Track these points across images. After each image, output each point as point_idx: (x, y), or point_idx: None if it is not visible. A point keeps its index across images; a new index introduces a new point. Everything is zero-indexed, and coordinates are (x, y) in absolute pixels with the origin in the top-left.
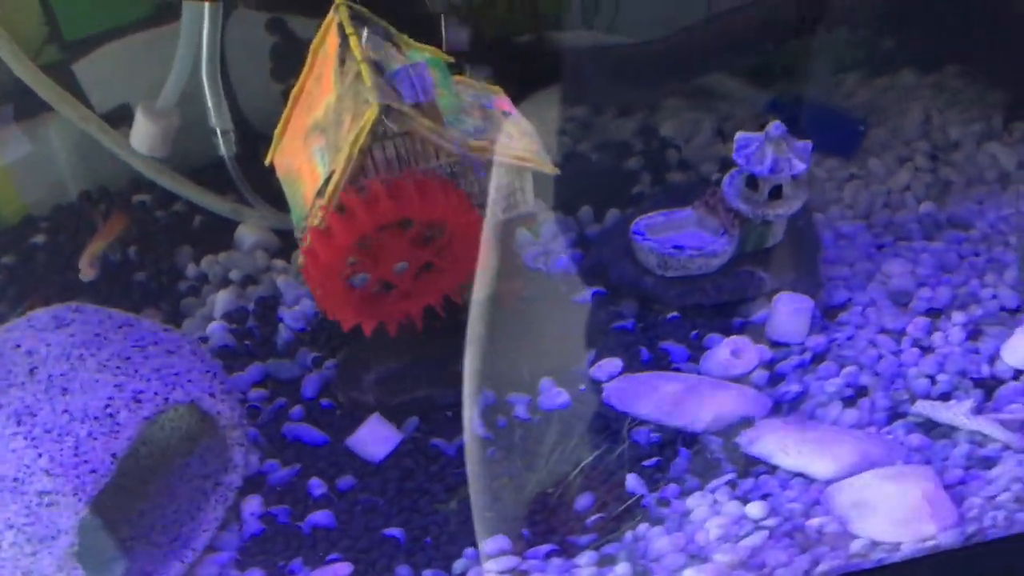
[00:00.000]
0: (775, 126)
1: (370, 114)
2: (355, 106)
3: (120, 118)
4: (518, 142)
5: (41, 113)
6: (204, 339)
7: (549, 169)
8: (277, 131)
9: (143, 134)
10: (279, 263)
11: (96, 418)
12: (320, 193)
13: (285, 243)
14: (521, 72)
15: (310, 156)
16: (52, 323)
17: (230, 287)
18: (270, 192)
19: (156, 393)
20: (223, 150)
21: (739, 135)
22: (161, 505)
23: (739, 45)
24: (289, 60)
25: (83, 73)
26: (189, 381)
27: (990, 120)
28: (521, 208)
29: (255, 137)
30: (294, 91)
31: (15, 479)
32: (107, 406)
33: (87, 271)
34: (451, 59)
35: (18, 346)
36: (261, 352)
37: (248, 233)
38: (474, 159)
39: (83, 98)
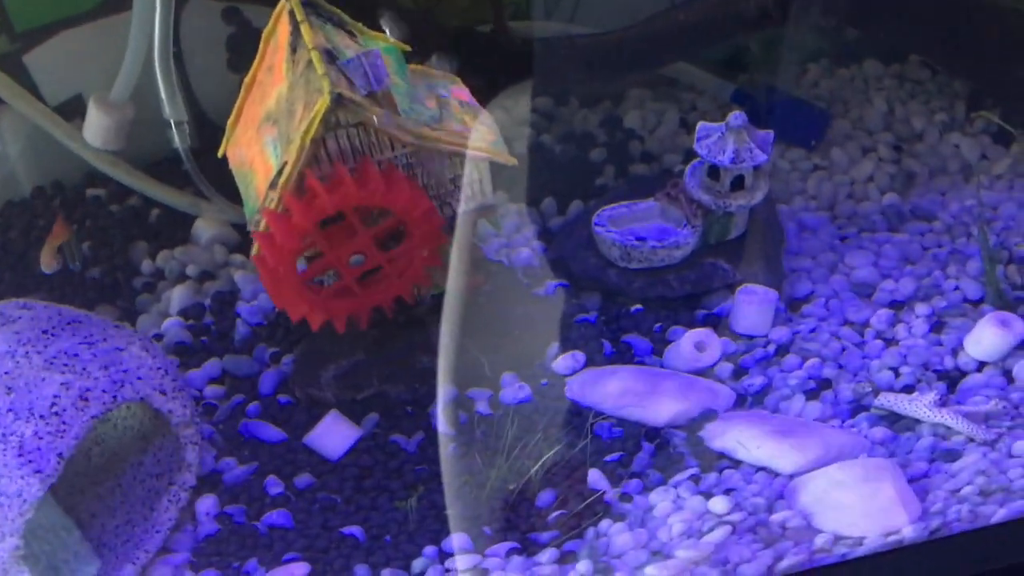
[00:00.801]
0: (735, 116)
1: (321, 103)
2: (307, 95)
3: (73, 111)
4: (475, 132)
5: None
6: (159, 336)
7: (507, 160)
8: (230, 122)
9: (96, 127)
10: (237, 258)
11: (42, 417)
12: (273, 185)
13: (243, 237)
14: (483, 63)
15: (263, 147)
16: None
17: (186, 283)
18: (228, 185)
19: (104, 391)
20: (177, 142)
21: (700, 125)
22: (113, 506)
23: (703, 35)
24: (246, 50)
25: (35, 65)
26: (139, 378)
27: (953, 111)
28: (479, 200)
29: (212, 129)
30: (246, 80)
31: None
32: (53, 405)
33: (49, 263)
34: (407, 48)
35: None
36: (218, 348)
37: (205, 227)
38: (430, 149)
39: (35, 90)
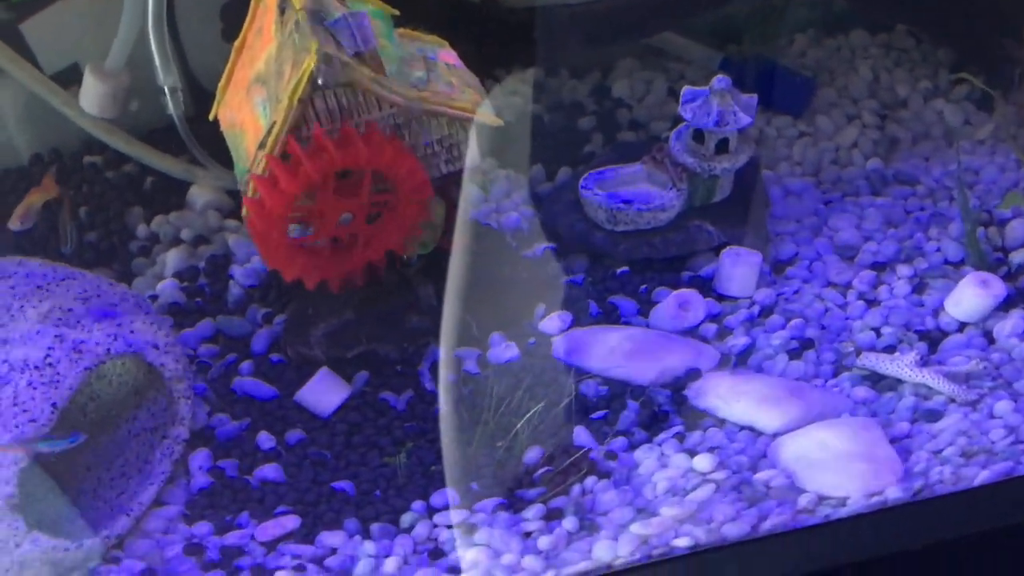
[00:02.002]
0: (719, 79)
1: (308, 63)
2: (294, 56)
3: (70, 79)
4: (462, 94)
5: None
6: (154, 297)
7: (493, 120)
8: (220, 85)
9: (92, 95)
10: (232, 223)
11: (36, 368)
12: (262, 144)
13: (237, 203)
14: (473, 33)
15: (252, 108)
16: None
17: (181, 246)
18: (222, 152)
19: (98, 343)
20: (171, 108)
21: (685, 89)
22: (108, 459)
23: (691, 3)
24: (240, 20)
25: (31, 33)
26: (132, 332)
27: (937, 78)
28: (465, 161)
29: (207, 98)
30: (236, 44)
31: None
32: (47, 356)
33: (15, 222)
34: (395, 11)
35: None
36: (211, 309)
37: (200, 194)
38: (417, 110)
39: (32, 59)
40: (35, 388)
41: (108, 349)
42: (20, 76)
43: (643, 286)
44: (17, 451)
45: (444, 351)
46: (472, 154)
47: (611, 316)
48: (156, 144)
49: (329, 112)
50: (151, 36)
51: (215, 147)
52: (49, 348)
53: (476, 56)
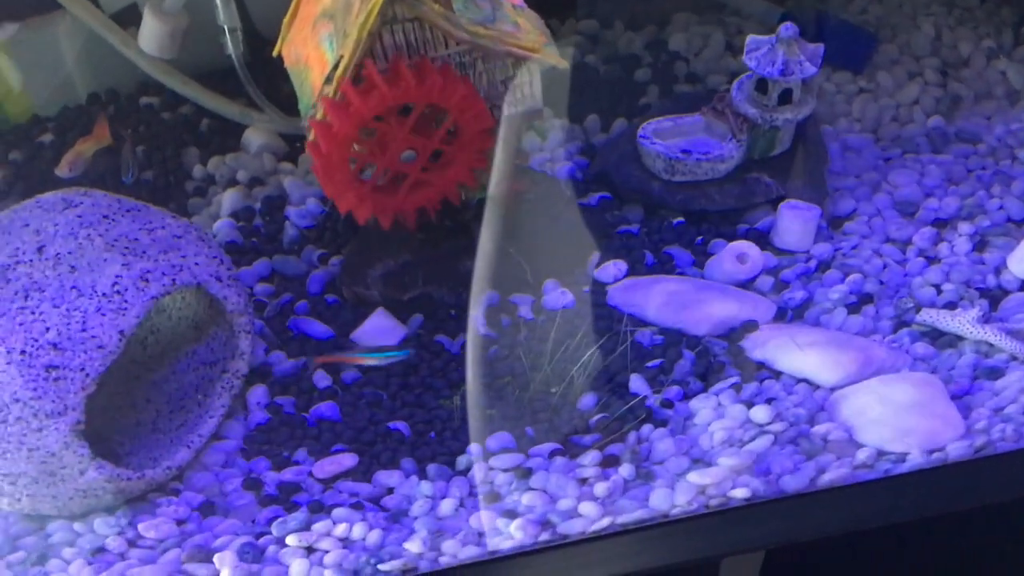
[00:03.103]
0: (786, 27)
1: None
2: None
3: (129, 19)
4: (527, 34)
5: (50, 12)
6: (212, 235)
7: (558, 61)
8: (285, 21)
9: (151, 34)
10: (286, 166)
11: (104, 295)
12: (329, 79)
13: (292, 147)
14: None
15: (318, 43)
16: (61, 204)
17: (237, 187)
18: (278, 96)
19: (164, 273)
20: (230, 48)
21: (750, 38)
22: (168, 392)
23: None
24: None
25: None
26: (196, 264)
27: (1000, 37)
28: (528, 103)
29: (263, 43)
30: None
31: (22, 352)
32: (114, 284)
33: (63, 168)
34: None
35: (27, 225)
36: (267, 249)
37: (255, 137)
38: (484, 47)
39: None
40: (103, 315)
41: (174, 280)
42: (80, 14)
43: (699, 237)
44: (352, 361)
45: (498, 296)
46: (536, 96)
47: (666, 266)
48: (212, 86)
49: (397, 47)
50: None
51: (271, 90)
52: (116, 276)
53: (533, 6)
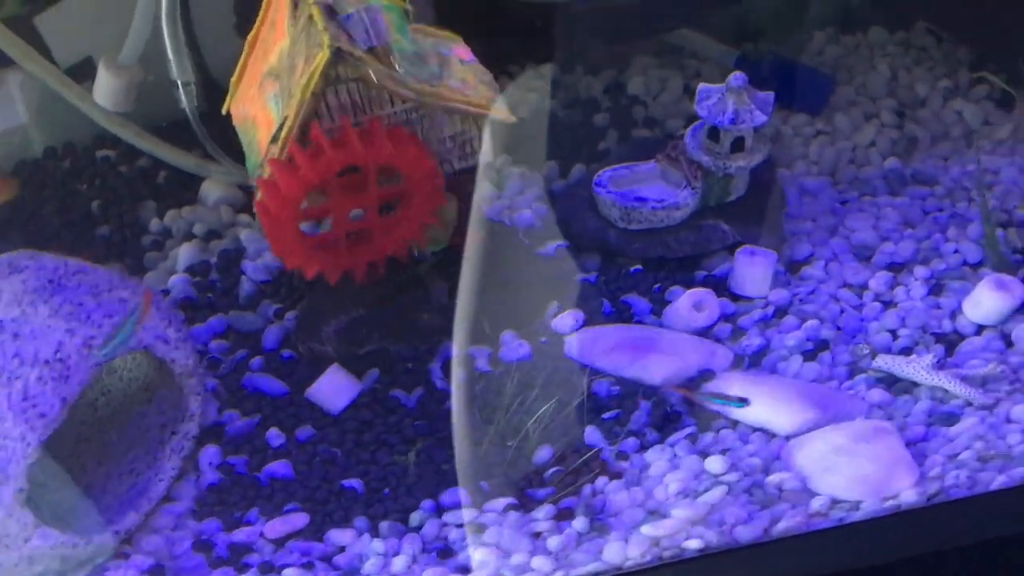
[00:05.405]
0: (735, 76)
1: (321, 58)
2: (307, 50)
3: (84, 73)
4: (475, 90)
5: (3, 68)
6: (166, 291)
7: (506, 116)
8: (233, 79)
9: (106, 89)
10: (244, 218)
11: (46, 362)
12: (274, 139)
13: (250, 198)
14: (487, 28)
15: (265, 103)
16: (6, 269)
17: (193, 241)
18: (235, 148)
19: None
20: (184, 102)
21: (701, 87)
22: (117, 455)
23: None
24: (254, 14)
25: (46, 27)
26: (143, 327)
27: (957, 77)
28: (478, 158)
29: (220, 93)
30: (249, 38)
31: None
32: (57, 351)
33: None
34: (409, 6)
35: None
36: (223, 304)
37: (213, 189)
38: (429, 105)
39: (46, 53)
40: (45, 383)
41: None
42: (34, 70)
43: (656, 285)
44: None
45: (456, 349)
46: (485, 151)
47: (624, 315)
48: (168, 139)
49: (342, 107)
50: (165, 31)
51: (228, 142)
52: (59, 343)
53: (490, 52)
